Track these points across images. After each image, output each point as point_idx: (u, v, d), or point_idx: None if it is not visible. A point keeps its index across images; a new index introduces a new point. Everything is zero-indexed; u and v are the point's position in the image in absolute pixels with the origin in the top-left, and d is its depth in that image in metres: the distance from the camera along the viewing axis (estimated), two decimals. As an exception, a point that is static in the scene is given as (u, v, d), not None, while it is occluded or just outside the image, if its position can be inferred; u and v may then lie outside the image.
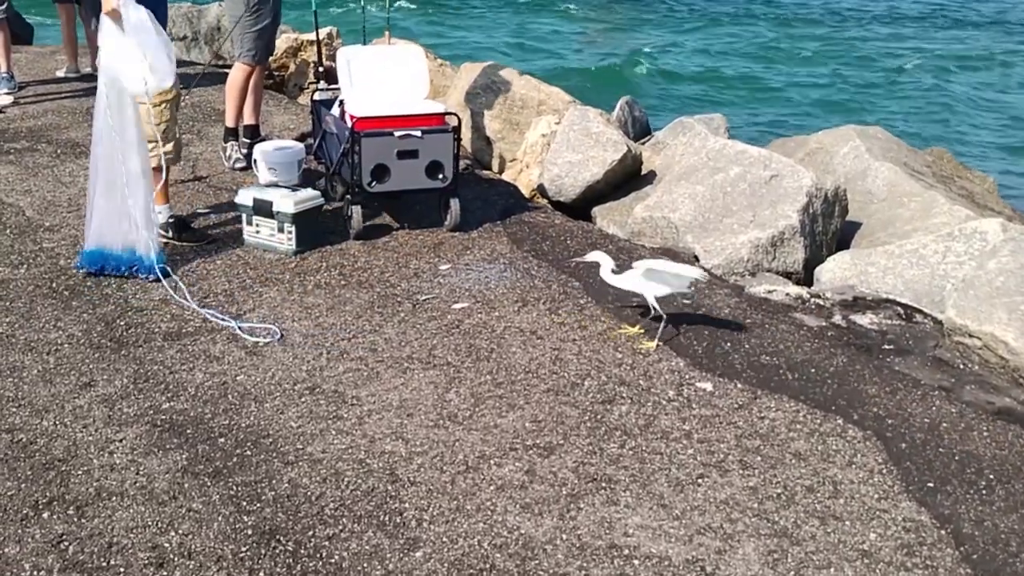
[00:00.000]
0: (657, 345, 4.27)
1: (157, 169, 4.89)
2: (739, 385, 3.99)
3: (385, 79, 5.50)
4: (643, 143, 7.31)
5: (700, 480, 3.36)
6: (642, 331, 4.39)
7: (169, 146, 4.97)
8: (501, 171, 7.03)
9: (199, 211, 5.62)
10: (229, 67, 8.37)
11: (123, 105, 4.55)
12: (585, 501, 3.23)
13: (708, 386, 3.97)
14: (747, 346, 4.33)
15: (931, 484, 3.41)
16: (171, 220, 5.10)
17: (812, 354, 4.29)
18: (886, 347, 4.44)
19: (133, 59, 4.43)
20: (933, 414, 3.86)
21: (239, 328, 4.29)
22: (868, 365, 4.22)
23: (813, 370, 4.15)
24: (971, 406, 3.93)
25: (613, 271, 4.42)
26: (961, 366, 4.31)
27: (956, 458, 3.57)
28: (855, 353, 4.33)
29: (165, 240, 5.02)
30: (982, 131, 13.40)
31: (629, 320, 4.51)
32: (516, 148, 7.09)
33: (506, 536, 3.06)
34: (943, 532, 3.16)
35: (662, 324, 4.31)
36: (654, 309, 4.32)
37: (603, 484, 3.32)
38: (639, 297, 4.40)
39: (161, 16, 4.89)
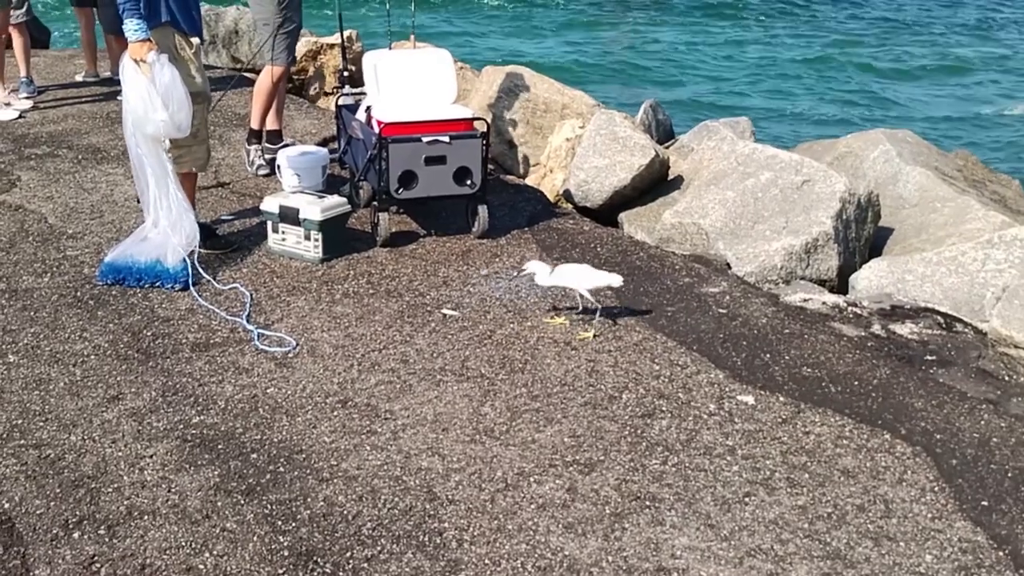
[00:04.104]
0: (595, 335, 4.33)
1: (188, 175, 4.92)
2: (781, 398, 3.89)
3: (412, 84, 5.41)
4: (667, 147, 7.20)
5: (747, 498, 3.26)
6: (567, 321, 4.45)
7: (201, 150, 4.93)
8: (524, 176, 6.94)
9: (223, 217, 5.55)
10: (249, 71, 8.34)
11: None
12: (630, 521, 3.14)
13: (750, 399, 3.87)
14: (787, 357, 4.23)
15: (985, 503, 3.30)
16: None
17: (854, 366, 4.19)
18: (928, 358, 4.33)
19: (157, 108, 4.51)
20: (982, 428, 3.75)
21: (256, 341, 4.21)
22: (912, 377, 4.12)
23: (856, 382, 4.04)
24: (1020, 420, 3.82)
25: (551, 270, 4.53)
26: (1007, 378, 4.20)
27: (1009, 475, 3.46)
28: (897, 364, 4.23)
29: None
30: (996, 133, 13.26)
31: (557, 313, 4.56)
32: (539, 152, 7.00)
33: (550, 558, 2.97)
34: (1001, 553, 3.06)
35: (597, 314, 4.46)
36: (586, 301, 4.47)
37: (647, 503, 3.23)
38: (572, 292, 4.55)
39: (195, 18, 4.84)
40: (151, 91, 4.49)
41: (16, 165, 6.33)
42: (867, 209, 5.68)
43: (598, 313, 4.44)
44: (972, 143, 11.92)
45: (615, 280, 4.43)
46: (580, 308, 4.53)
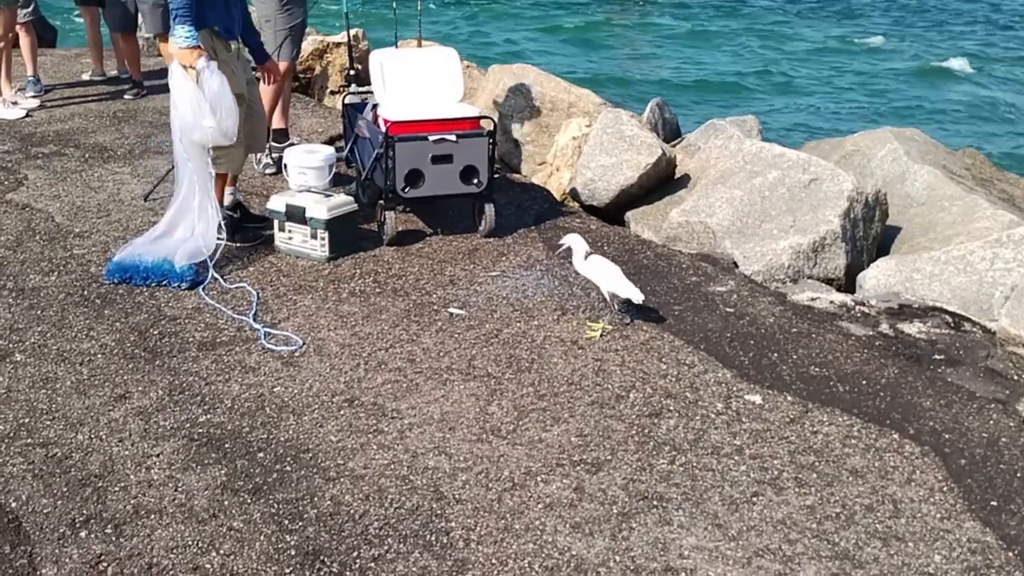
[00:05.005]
0: (602, 333, 4.32)
1: (221, 176, 4.99)
2: (789, 398, 3.88)
3: (419, 82, 5.40)
4: (674, 145, 7.19)
5: (755, 498, 3.25)
6: (608, 326, 4.42)
7: (238, 153, 5.01)
8: (530, 174, 6.93)
9: (229, 216, 5.54)
10: (255, 69, 8.34)
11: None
12: (637, 520, 3.13)
13: (757, 399, 3.86)
14: (795, 356, 4.22)
15: (994, 503, 3.29)
16: (224, 221, 5.07)
17: (862, 365, 4.17)
18: (936, 357, 4.31)
19: (205, 114, 4.55)
20: (991, 428, 3.73)
21: (263, 340, 4.21)
22: (920, 376, 4.10)
23: (864, 382, 4.03)
24: (1030, 420, 3.81)
25: (587, 254, 4.50)
26: (1015, 377, 4.18)
27: (1018, 475, 3.45)
28: (906, 364, 4.21)
29: (219, 240, 4.99)
30: (1004, 131, 13.21)
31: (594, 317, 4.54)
32: (545, 151, 6.98)
33: (557, 558, 2.96)
34: (1010, 554, 3.04)
35: (610, 313, 4.48)
36: (608, 300, 4.46)
37: (655, 502, 3.22)
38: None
39: (233, 23, 4.90)
40: (199, 98, 4.52)
41: (23, 164, 6.34)
42: (875, 208, 5.66)
43: (609, 315, 4.44)
44: (980, 141, 11.89)
45: (637, 295, 4.32)
46: (615, 311, 4.51)
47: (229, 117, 4.59)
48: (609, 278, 4.40)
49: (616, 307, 4.49)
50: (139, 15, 7.72)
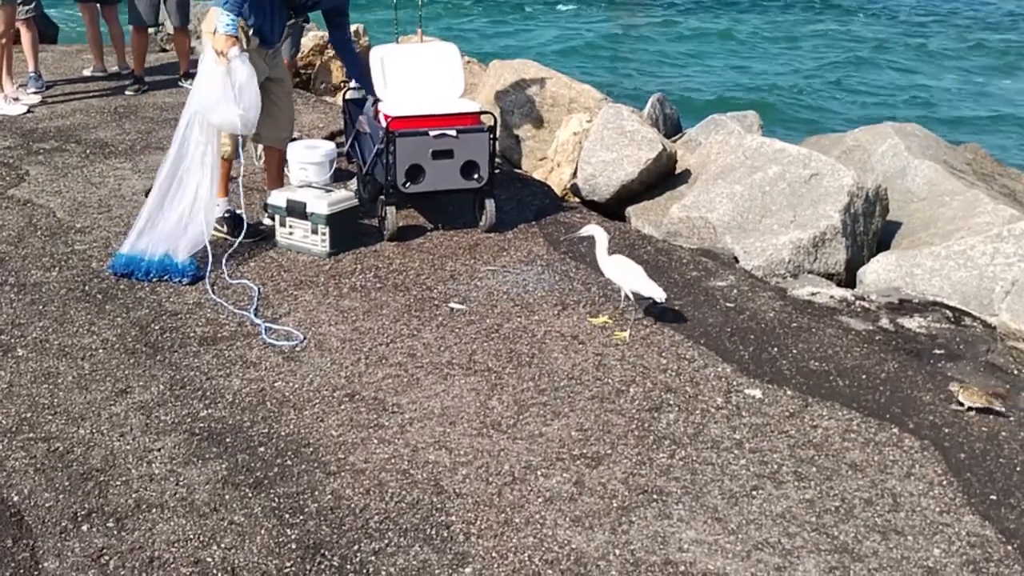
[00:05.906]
0: (629, 335, 4.29)
1: (227, 162, 5.05)
2: (789, 392, 3.89)
3: (419, 78, 5.41)
4: (675, 141, 7.19)
5: (755, 492, 3.26)
6: (609, 320, 4.40)
7: (234, 137, 5.04)
8: (531, 170, 6.93)
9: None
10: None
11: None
12: (637, 514, 3.14)
13: (757, 393, 3.87)
14: (795, 351, 4.22)
15: (994, 497, 3.29)
16: (227, 215, 5.08)
17: (862, 359, 4.18)
18: (937, 352, 4.32)
19: (229, 101, 4.65)
20: (991, 422, 3.74)
21: (264, 335, 4.22)
22: (920, 371, 4.11)
23: (864, 376, 4.04)
24: (1029, 414, 3.82)
25: (608, 251, 4.46)
26: (1016, 372, 4.19)
27: (1018, 469, 3.45)
28: (906, 358, 4.22)
29: (221, 235, 5.04)
30: (1005, 126, 13.20)
31: (602, 311, 4.54)
32: (546, 146, 6.99)
33: (557, 551, 2.97)
34: (1009, 548, 3.05)
35: (634, 315, 4.42)
36: (627, 300, 4.43)
37: (654, 496, 3.23)
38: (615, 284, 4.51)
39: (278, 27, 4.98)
40: (227, 84, 4.61)
41: (24, 160, 6.35)
42: (875, 203, 5.66)
43: (611, 310, 4.44)
44: (981, 137, 11.87)
45: (659, 294, 4.29)
46: (621, 307, 4.50)
47: (252, 108, 4.70)
48: (635, 278, 4.36)
49: (637, 306, 4.47)
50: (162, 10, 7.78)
